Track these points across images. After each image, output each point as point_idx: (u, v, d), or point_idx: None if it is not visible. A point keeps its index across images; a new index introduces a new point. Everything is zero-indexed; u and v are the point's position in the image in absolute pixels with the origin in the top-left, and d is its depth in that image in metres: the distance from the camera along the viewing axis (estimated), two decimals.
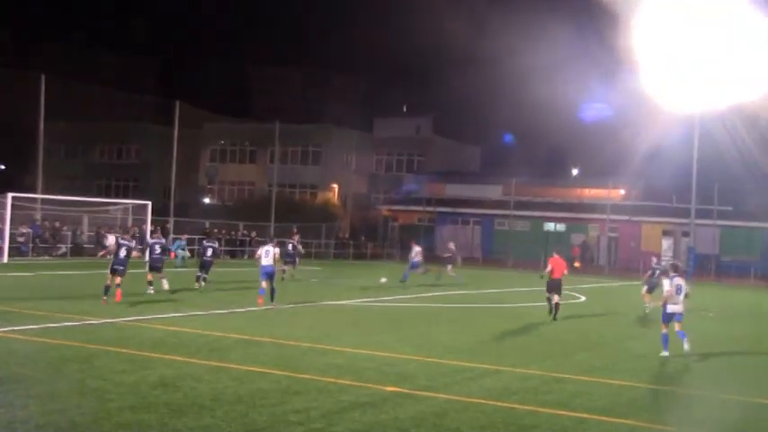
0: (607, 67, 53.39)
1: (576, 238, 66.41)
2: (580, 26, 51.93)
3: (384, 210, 75.18)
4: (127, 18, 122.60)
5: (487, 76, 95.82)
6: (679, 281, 17.72)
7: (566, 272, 24.38)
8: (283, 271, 32.66)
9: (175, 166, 52.67)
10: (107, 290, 21.99)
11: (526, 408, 11.65)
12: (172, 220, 50.01)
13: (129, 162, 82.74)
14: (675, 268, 18.19)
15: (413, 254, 36.74)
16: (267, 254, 23.68)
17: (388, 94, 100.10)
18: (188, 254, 42.98)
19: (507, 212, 66.49)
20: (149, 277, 25.78)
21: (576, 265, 41.30)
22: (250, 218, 57.64)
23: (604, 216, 64.28)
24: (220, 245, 48.50)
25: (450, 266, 37.91)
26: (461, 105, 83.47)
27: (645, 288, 27.78)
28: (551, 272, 23.86)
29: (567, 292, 34.34)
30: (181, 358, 13.95)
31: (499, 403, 11.79)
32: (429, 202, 71.20)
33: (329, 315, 22.46)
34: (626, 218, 65.49)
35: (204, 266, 28.57)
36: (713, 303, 32.42)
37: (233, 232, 55.18)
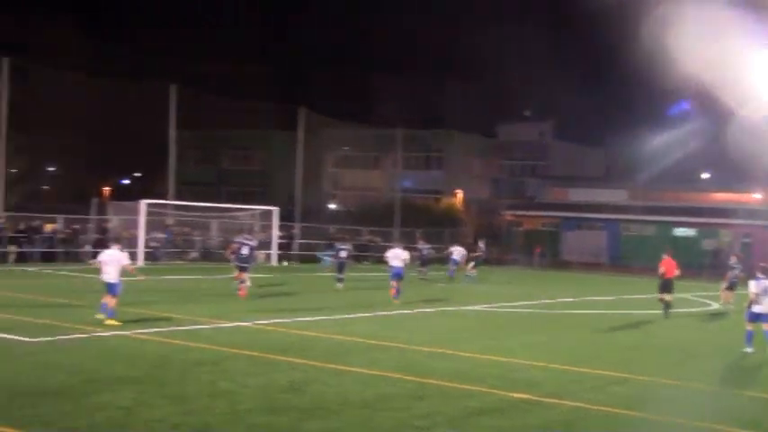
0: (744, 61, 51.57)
1: (708, 244, 64.45)
2: (712, 26, 50.27)
3: (508, 215, 74.60)
4: (248, 27, 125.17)
5: (608, 79, 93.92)
6: (766, 283, 17.80)
7: (677, 272, 25.95)
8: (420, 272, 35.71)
9: (300, 173, 53.46)
10: (241, 281, 25.19)
11: (658, 417, 11.35)
12: (297, 225, 50.79)
13: (255, 168, 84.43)
14: (764, 270, 18.12)
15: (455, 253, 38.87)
16: (396, 256, 26.17)
17: (511, 98, 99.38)
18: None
19: (634, 217, 65.05)
20: (237, 276, 26.27)
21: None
22: (374, 223, 58.03)
23: (738, 221, 62.17)
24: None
25: (472, 264, 39.08)
26: (585, 109, 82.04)
27: (724, 285, 29.03)
28: (664, 273, 25.43)
29: (699, 299, 33.49)
30: (307, 362, 14.12)
31: (628, 412, 11.52)
32: (553, 207, 70.33)
33: (454, 320, 22.41)
34: (762, 223, 63.16)
35: (340, 268, 30.73)
36: None
37: (357, 238, 55.65)
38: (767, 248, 61.02)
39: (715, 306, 30.90)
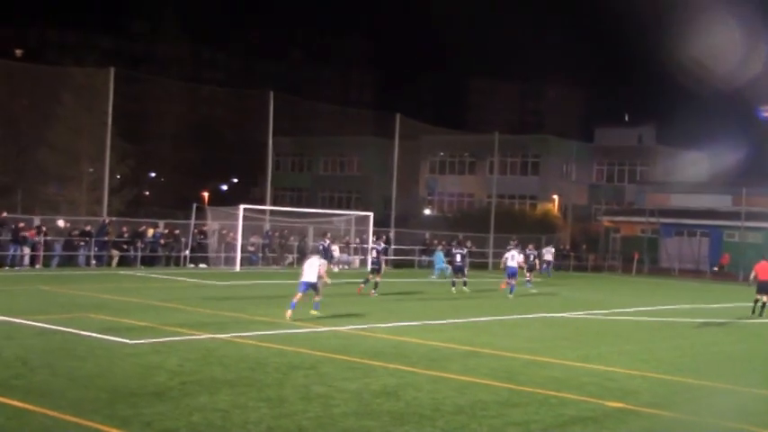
0: None
1: None
2: None
3: (605, 221, 73.51)
4: (345, 34, 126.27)
5: (710, 81, 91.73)
6: None
7: None
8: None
9: (396, 178, 53.64)
10: (373, 284, 28.35)
11: (756, 430, 11.03)
12: (393, 230, 50.95)
13: (350, 174, 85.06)
14: None
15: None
16: (513, 258, 31.51)
17: (609, 102, 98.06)
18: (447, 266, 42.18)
19: (738, 223, 63.34)
20: (369, 277, 29.16)
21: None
22: (470, 229, 57.80)
23: None
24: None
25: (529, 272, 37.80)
26: (687, 113, 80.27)
27: None
28: (756, 275, 27.67)
29: None
30: (402, 367, 14.14)
31: (732, 424, 11.21)
32: (652, 212, 68.99)
33: (550, 327, 22.17)
34: None
35: (456, 272, 32.57)
36: None
37: (453, 243, 55.50)
38: None
39: None
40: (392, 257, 49.25)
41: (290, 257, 45.13)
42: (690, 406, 12.26)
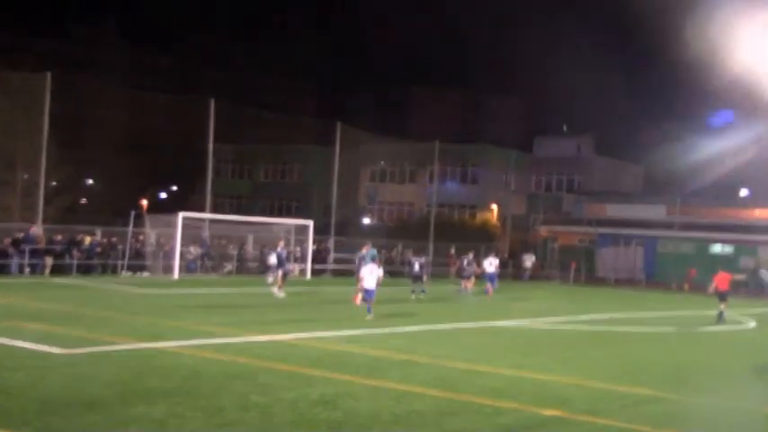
0: None
1: (746, 261, 63.70)
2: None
3: (544, 230, 74.30)
4: (288, 41, 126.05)
5: (649, 94, 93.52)
6: None
7: (735, 277, 30.64)
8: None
9: (336, 187, 53.64)
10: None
11: None
12: (332, 239, 50.93)
13: (291, 182, 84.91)
14: None
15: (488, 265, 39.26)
16: (491, 264, 37.82)
17: (548, 113, 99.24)
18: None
19: (671, 234, 64.47)
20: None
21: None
22: (409, 237, 58.02)
23: None
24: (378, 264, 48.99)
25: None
26: (623, 124, 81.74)
27: None
28: (716, 286, 29.26)
29: (737, 317, 33.10)
30: (341, 376, 14.15)
31: (662, 431, 11.42)
32: (590, 222, 69.89)
33: (488, 336, 22.35)
34: None
35: (415, 280, 33.20)
36: None
37: (393, 252, 55.64)
38: None
39: (752, 324, 30.53)
40: (331, 266, 49.28)
41: (229, 266, 44.85)
42: (624, 413, 12.46)
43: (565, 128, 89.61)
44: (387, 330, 21.80)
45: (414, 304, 30.69)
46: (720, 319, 28.86)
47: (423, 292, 32.89)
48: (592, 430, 11.26)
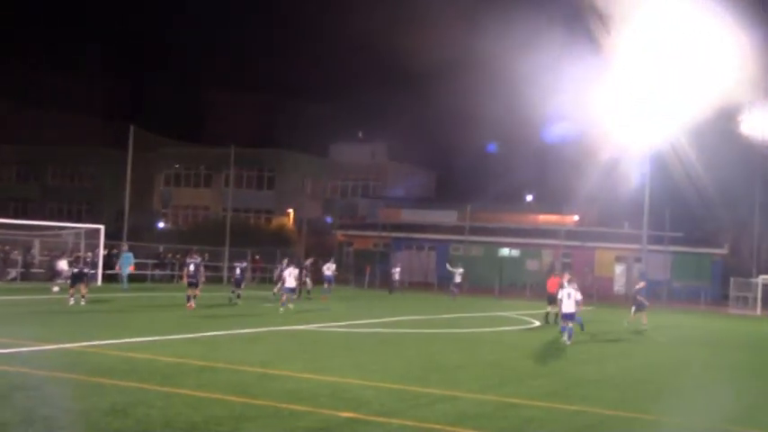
0: (562, 92, 54.03)
1: (531, 264, 66.80)
2: (533, 53, 52.51)
3: (339, 235, 75.11)
4: (80, 41, 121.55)
5: (440, 102, 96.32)
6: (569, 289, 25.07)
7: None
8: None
9: (129, 191, 52.19)
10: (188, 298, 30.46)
11: None
12: (125, 244, 49.53)
13: (82, 185, 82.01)
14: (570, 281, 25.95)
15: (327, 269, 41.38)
16: (329, 268, 40.83)
17: (344, 119, 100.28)
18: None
19: (462, 238, 66.72)
20: (188, 292, 30.94)
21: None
22: (205, 242, 57.19)
23: (558, 242, 64.80)
24: (172, 268, 48.40)
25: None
26: (417, 131, 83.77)
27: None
28: (548, 289, 31.29)
29: (522, 317, 34.63)
30: (134, 384, 13.76)
31: (454, 428, 11.78)
32: (384, 227, 71.26)
33: (285, 340, 22.33)
34: (579, 243, 66.09)
35: (236, 284, 34.75)
36: (665, 329, 32.97)
37: (187, 256, 54.64)
38: (585, 267, 63.93)
39: (536, 323, 31.97)
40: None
41: (14, 272, 42.80)
42: (418, 412, 12.75)
43: (360, 134, 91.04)
44: (183, 336, 21.41)
45: (213, 309, 30.34)
46: (554, 320, 29.83)
47: (238, 296, 34.31)
48: (387, 430, 11.46)
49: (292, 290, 33.07)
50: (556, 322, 28.92)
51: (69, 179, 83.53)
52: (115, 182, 61.26)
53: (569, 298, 24.89)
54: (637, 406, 14.64)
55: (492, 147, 76.22)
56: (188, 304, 30.41)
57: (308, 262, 42.43)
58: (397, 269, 56.02)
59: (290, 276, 32.79)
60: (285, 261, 35.63)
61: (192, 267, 31.52)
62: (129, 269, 43.31)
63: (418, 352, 21.21)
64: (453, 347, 22.72)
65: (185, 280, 31.54)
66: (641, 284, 32.96)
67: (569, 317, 24.87)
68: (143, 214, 71.48)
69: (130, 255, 44.14)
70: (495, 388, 15.64)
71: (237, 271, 34.93)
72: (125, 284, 41.57)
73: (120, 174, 53.94)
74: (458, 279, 50.56)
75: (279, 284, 37.13)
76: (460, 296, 49.14)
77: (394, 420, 12.05)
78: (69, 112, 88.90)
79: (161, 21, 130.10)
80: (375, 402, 13.41)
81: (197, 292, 31.04)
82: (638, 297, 31.86)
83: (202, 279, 32.66)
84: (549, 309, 31.23)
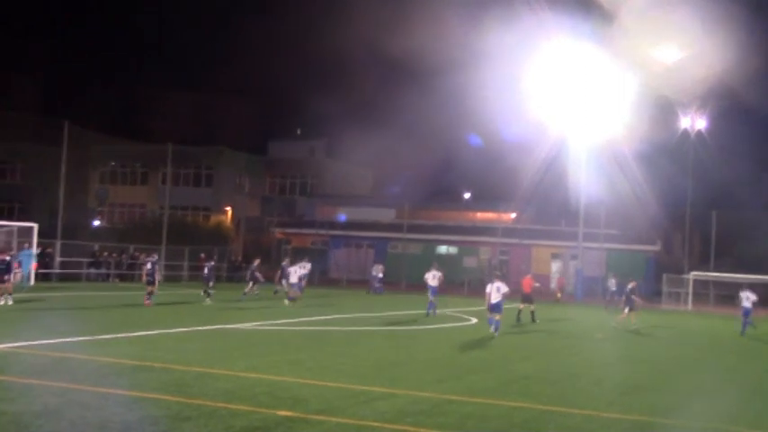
0: (499, 93, 54.49)
1: (469, 261, 67.26)
2: (470, 54, 52.93)
3: (277, 232, 74.81)
4: (13, 37, 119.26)
5: (378, 100, 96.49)
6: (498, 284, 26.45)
7: (536, 284, 34.77)
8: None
9: (63, 188, 51.26)
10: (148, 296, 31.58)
11: (420, 430, 11.70)
12: (59, 242, 48.69)
13: (13, 183, 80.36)
14: (498, 276, 27.58)
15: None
16: (304, 267, 38.64)
17: (282, 117, 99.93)
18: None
19: (400, 236, 66.86)
20: (148, 289, 31.94)
21: (559, 296, 52.05)
22: (141, 240, 56.53)
23: (495, 239, 65.29)
24: (108, 267, 47.80)
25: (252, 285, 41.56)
26: (354, 129, 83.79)
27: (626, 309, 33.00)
28: (523, 288, 33.27)
29: (459, 314, 34.84)
30: (67, 385, 13.53)
31: (393, 426, 11.80)
32: (322, 224, 71.17)
33: (222, 339, 22.16)
34: (516, 241, 66.71)
35: (207, 281, 35.76)
36: (600, 325, 33.49)
37: (123, 255, 54.00)
38: (522, 265, 64.56)
39: (474, 321, 32.18)
40: (57, 270, 47.25)
41: None
42: (356, 410, 12.75)
43: (299, 131, 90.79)
44: (118, 336, 21.13)
45: (148, 309, 30.05)
46: (532, 318, 32.41)
47: (208, 295, 35.08)
48: (326, 429, 11.44)
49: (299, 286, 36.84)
50: (533, 321, 32.25)
51: (1, 176, 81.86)
52: (49, 179, 60.13)
53: (498, 291, 26.20)
54: (572, 401, 14.80)
55: (429, 145, 76.42)
56: (146, 302, 31.55)
57: (256, 263, 42.67)
58: (380, 266, 54.60)
59: (295, 274, 36.56)
60: (287, 260, 40.44)
61: (149, 266, 32.87)
62: (32, 267, 42.21)
63: (355, 349, 21.20)
64: (391, 345, 22.76)
65: (144, 278, 32.92)
66: (633, 284, 33.49)
67: (496, 307, 26.18)
68: (78, 212, 70.33)
69: (30, 251, 43.02)
70: (434, 384, 15.70)
71: (206, 270, 36.06)
72: (25, 283, 39.87)
73: (54, 171, 52.96)
74: (380, 274, 52.44)
75: (250, 284, 40.82)
76: (387, 292, 49.12)
77: (332, 418, 12.03)
78: (1, 107, 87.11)
79: (97, 17, 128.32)
80: (313, 400, 13.37)
81: (154, 289, 32.24)
82: (632, 297, 32.63)
83: (159, 278, 34.26)
84: (532, 307, 32.91)
